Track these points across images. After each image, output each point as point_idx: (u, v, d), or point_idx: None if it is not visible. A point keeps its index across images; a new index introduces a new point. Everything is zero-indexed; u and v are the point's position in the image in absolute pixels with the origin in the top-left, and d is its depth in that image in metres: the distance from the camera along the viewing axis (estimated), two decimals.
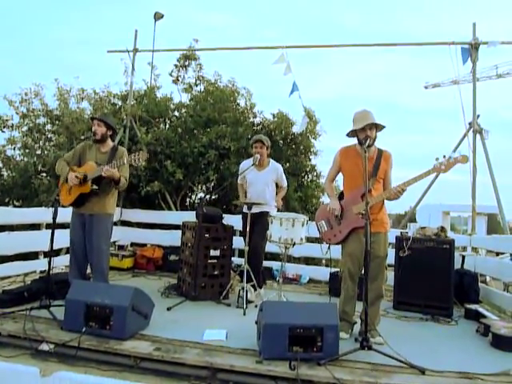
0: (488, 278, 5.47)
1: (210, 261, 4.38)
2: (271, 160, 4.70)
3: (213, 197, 7.70)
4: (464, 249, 5.63)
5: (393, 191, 3.12)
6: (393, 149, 3.40)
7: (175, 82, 7.45)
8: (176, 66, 7.33)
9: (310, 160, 7.15)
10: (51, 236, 3.34)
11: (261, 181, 4.56)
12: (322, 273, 5.82)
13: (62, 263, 5.06)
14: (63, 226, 5.30)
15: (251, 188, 4.61)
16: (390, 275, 4.41)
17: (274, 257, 6.05)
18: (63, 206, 3.75)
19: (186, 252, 4.56)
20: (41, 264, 4.85)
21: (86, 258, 3.85)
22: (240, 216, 4.84)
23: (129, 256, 5.74)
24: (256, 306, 4.08)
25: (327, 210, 3.40)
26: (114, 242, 5.87)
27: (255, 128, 7.11)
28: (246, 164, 4.67)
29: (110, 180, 3.70)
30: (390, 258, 3.68)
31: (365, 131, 3.19)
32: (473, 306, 4.24)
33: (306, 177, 7.23)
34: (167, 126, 7.40)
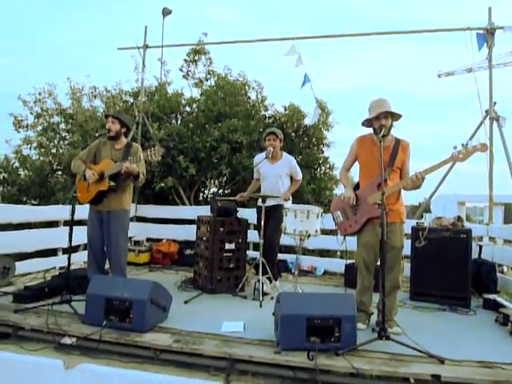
0: (505, 268, 5.38)
1: (225, 254, 4.41)
2: (284, 153, 4.69)
3: (226, 191, 7.74)
4: (481, 239, 5.56)
5: (409, 180, 3.09)
6: (406, 138, 3.36)
7: (185, 77, 7.48)
8: (186, 60, 7.34)
9: (322, 152, 7.12)
10: (69, 233, 3.41)
11: (274, 174, 4.56)
12: (337, 264, 5.82)
13: (80, 259, 5.17)
14: (80, 222, 5.40)
15: (265, 181, 4.62)
16: (407, 266, 4.39)
17: (289, 249, 6.06)
18: (80, 204, 3.82)
19: (202, 246, 4.60)
20: (60, 260, 4.96)
21: (104, 254, 3.92)
22: (254, 209, 4.86)
23: (145, 251, 5.82)
24: (272, 298, 4.11)
25: (342, 200, 3.38)
26: (130, 238, 5.96)
27: (267, 121, 7.10)
28: (259, 157, 4.67)
29: (129, 176, 3.75)
30: (406, 249, 3.66)
31: (379, 120, 3.16)
32: (491, 296, 4.19)
33: (318, 169, 7.21)
34: (179, 122, 7.45)
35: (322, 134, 7.00)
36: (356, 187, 3.47)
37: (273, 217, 4.41)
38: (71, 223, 3.40)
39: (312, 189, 6.67)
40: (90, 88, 7.64)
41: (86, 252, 5.26)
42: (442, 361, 2.58)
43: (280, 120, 6.99)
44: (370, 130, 3.33)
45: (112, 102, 7.38)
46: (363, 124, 3.36)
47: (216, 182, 7.63)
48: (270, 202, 4.37)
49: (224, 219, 4.45)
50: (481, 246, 5.00)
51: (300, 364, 2.52)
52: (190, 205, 6.84)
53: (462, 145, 2.99)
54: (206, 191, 7.84)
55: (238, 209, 4.66)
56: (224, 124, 6.58)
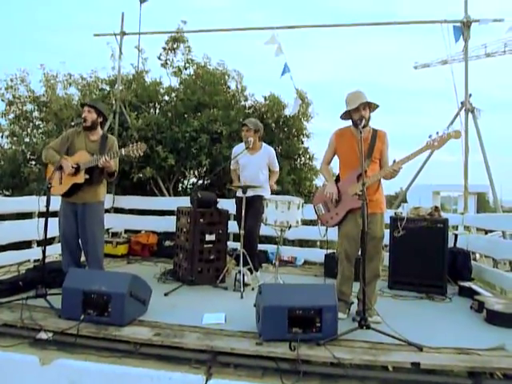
0: (478, 256, 5.56)
1: (205, 245, 4.37)
2: (263, 143, 4.66)
3: (205, 182, 7.66)
4: (456, 228, 5.71)
5: (388, 170, 3.12)
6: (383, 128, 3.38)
7: (164, 65, 7.29)
8: (164, 48, 7.15)
9: (302, 143, 7.12)
10: (45, 225, 3.28)
11: (254, 164, 4.53)
12: (317, 254, 5.86)
13: (55, 252, 5.02)
14: (55, 214, 5.26)
15: (244, 172, 4.58)
16: (385, 255, 4.48)
17: (269, 240, 6.07)
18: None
19: (182, 237, 4.54)
20: (34, 253, 4.81)
21: (79, 246, 3.82)
22: (233, 200, 4.83)
23: (123, 243, 5.71)
24: (253, 289, 4.12)
25: (324, 195, 3.39)
26: (108, 230, 5.83)
27: (247, 111, 7.03)
28: (238, 149, 4.62)
29: (103, 170, 3.64)
30: (385, 239, 3.71)
31: (359, 111, 3.17)
32: (466, 284, 4.32)
33: (298, 159, 7.21)
34: (157, 111, 7.29)
35: (302, 125, 6.99)
36: (336, 180, 3.48)
37: (253, 207, 4.39)
38: (46, 215, 3.28)
39: (292, 179, 6.68)
40: (65, 75, 7.36)
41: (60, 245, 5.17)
42: (420, 348, 2.64)
43: (260, 110, 6.93)
44: (349, 123, 3.33)
45: (88, 90, 7.14)
46: (341, 117, 3.36)
47: (196, 172, 7.52)
48: (249, 193, 4.34)
49: (204, 210, 4.39)
50: (456, 235, 5.14)
51: (282, 355, 2.52)
52: (169, 196, 6.74)
53: (437, 133, 3.04)
54: (186, 182, 7.74)
55: (218, 200, 4.61)
56: (203, 114, 6.48)
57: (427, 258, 4.32)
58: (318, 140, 7.21)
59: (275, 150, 4.79)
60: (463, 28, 5.61)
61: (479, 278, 4.91)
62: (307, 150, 7.14)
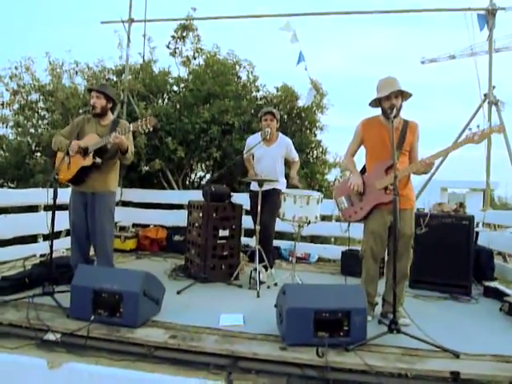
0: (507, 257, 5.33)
1: (218, 241, 4.18)
2: (280, 134, 4.45)
3: (214, 175, 7.46)
4: (476, 225, 5.48)
5: (421, 164, 2.90)
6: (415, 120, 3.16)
7: (173, 54, 7.04)
8: (173, 37, 6.90)
9: (315, 135, 6.88)
10: (52, 218, 3.10)
11: (269, 156, 4.32)
12: (331, 251, 5.68)
13: (62, 246, 4.86)
14: (62, 207, 5.08)
15: (259, 164, 4.38)
16: None
17: (281, 235, 5.87)
18: (60, 184, 3.50)
19: (194, 232, 4.35)
20: (40, 247, 4.64)
21: (89, 239, 3.64)
22: (245, 194, 4.64)
23: (131, 237, 5.54)
24: (268, 287, 3.94)
25: (348, 186, 3.18)
26: (116, 224, 5.65)
27: (258, 102, 6.80)
28: (253, 139, 4.41)
29: (116, 152, 3.44)
30: None
31: (390, 100, 2.95)
32: (491, 284, 4.11)
33: (311, 153, 6.98)
34: (165, 102, 7.07)
35: (315, 117, 6.75)
36: (362, 172, 3.27)
37: (269, 202, 4.20)
38: (53, 207, 3.09)
39: (305, 173, 6.46)
40: (71, 64, 7.12)
41: (68, 239, 4.96)
42: (457, 355, 2.45)
43: (272, 102, 6.70)
44: (375, 112, 3.11)
45: (94, 80, 6.91)
46: (370, 104, 3.14)
47: (203, 166, 7.30)
48: (265, 187, 4.13)
49: (217, 204, 4.20)
50: (477, 233, 4.91)
51: (309, 361, 2.34)
52: (179, 189, 6.54)
53: (478, 127, 2.82)
54: (193, 175, 7.53)
55: (231, 194, 4.41)
56: (214, 104, 6.26)
57: (451, 256, 4.11)
58: (330, 133, 7.00)
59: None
60: (488, 16, 5.34)
61: (502, 277, 4.70)
62: (320, 143, 6.91)
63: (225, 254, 4.22)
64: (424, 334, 2.61)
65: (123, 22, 6.23)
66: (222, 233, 4.20)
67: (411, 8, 5.90)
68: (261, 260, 4.06)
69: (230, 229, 4.24)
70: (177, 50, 6.97)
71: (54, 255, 4.56)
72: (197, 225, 4.30)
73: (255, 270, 3.96)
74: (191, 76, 7.11)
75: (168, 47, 7.01)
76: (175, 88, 7.06)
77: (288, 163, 4.55)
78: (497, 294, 3.88)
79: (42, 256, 4.52)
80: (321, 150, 6.91)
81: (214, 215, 4.15)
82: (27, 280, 3.42)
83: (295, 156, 4.47)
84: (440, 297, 3.96)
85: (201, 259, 4.07)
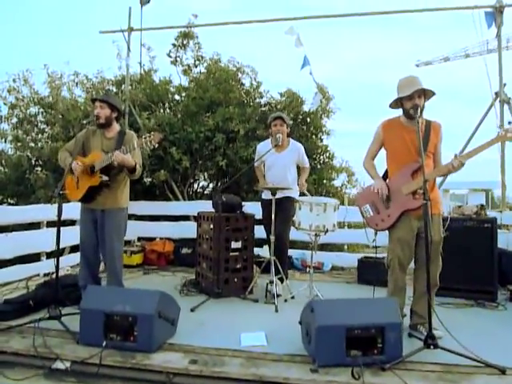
0: None
1: (231, 254, 3.98)
2: (291, 139, 4.28)
3: (223, 185, 7.30)
4: None
5: (450, 165, 2.73)
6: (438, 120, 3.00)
7: (174, 63, 6.92)
8: (174, 45, 6.78)
9: (321, 140, 6.73)
10: (57, 235, 2.90)
11: (281, 163, 4.15)
12: (344, 259, 5.50)
13: (67, 264, 4.68)
14: (65, 223, 4.89)
15: (270, 172, 4.20)
16: None
17: (292, 244, 5.67)
18: (68, 201, 3.33)
19: (204, 245, 4.16)
20: (44, 266, 4.43)
21: (98, 257, 3.47)
22: (254, 203, 4.46)
23: (138, 252, 5.33)
24: (286, 301, 3.75)
25: (372, 192, 3.00)
26: None
27: (262, 109, 6.65)
28: (263, 146, 4.24)
29: (122, 168, 3.28)
30: None
31: (413, 99, 2.79)
32: None
33: (318, 158, 6.82)
34: (167, 111, 6.92)
35: (321, 122, 6.60)
36: (384, 176, 3.10)
37: (282, 211, 4.01)
38: (58, 224, 2.90)
39: (313, 179, 6.29)
40: (71, 75, 6.98)
41: (72, 256, 4.79)
42: (503, 371, 2.25)
43: (276, 107, 6.55)
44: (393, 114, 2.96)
45: (94, 91, 6.77)
46: (391, 105, 2.98)
47: (208, 174, 7.12)
48: (278, 195, 3.95)
49: (229, 215, 4.01)
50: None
51: None
52: (184, 200, 6.35)
53: (509, 123, 2.66)
54: (195, 185, 7.35)
55: (242, 203, 4.23)
56: (218, 112, 6.11)
57: (474, 260, 3.92)
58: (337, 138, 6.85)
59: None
60: (496, 13, 5.22)
61: None
62: (327, 148, 6.75)
63: (238, 266, 4.02)
64: (463, 348, 2.42)
65: (122, 31, 6.09)
66: (235, 245, 4.00)
67: (414, 8, 5.79)
68: (276, 272, 3.89)
69: (242, 240, 4.05)
70: (178, 59, 6.83)
71: (59, 274, 4.42)
72: (207, 237, 4.11)
73: (271, 282, 3.78)
74: (192, 84, 6.98)
75: (169, 56, 6.88)
76: (177, 97, 6.91)
77: (298, 170, 4.38)
78: None
79: (45, 275, 4.32)
80: (328, 155, 6.75)
81: (227, 226, 3.96)
82: (32, 302, 3.21)
83: (306, 162, 4.31)
84: (466, 304, 3.76)
85: (213, 273, 3.88)
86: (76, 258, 3.79)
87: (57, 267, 2.95)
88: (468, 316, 3.46)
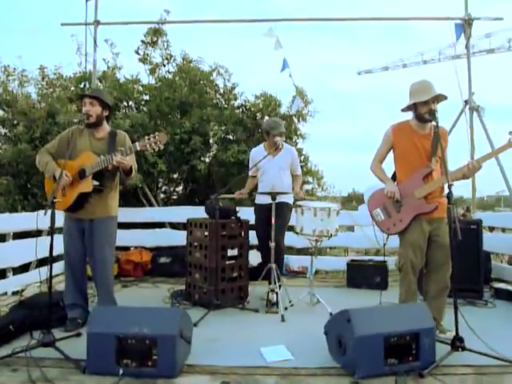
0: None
1: (227, 262, 3.79)
2: (284, 144, 4.18)
3: (187, 190, 7.01)
4: None
5: (468, 167, 2.78)
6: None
7: (142, 60, 6.53)
8: (143, 42, 6.40)
9: (296, 144, 6.71)
10: (50, 248, 2.52)
11: (276, 167, 4.04)
12: (328, 263, 5.50)
13: (32, 279, 4.16)
14: (30, 234, 4.39)
15: (265, 176, 4.08)
16: None
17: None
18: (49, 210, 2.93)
19: (197, 254, 3.90)
20: (11, 283, 3.91)
21: (85, 272, 3.13)
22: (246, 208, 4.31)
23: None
24: (286, 309, 3.62)
25: (383, 196, 2.98)
26: None
27: (236, 111, 6.49)
28: (257, 152, 4.11)
29: (115, 173, 2.99)
30: None
31: (428, 104, 2.82)
32: (501, 285, 4.15)
33: None
34: (134, 111, 6.50)
35: (295, 125, 6.58)
36: (391, 179, 3.10)
37: (278, 216, 3.88)
38: (51, 233, 2.52)
39: None
40: (20, 72, 6.29)
41: (39, 271, 4.28)
42: None
43: (251, 110, 6.41)
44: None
45: (51, 89, 6.19)
46: (403, 110, 3.00)
47: (183, 178, 6.78)
48: (270, 200, 3.83)
49: (224, 221, 3.81)
50: None
51: None
52: (158, 205, 6.00)
53: None
54: (168, 189, 7.00)
55: (237, 208, 4.05)
56: (194, 113, 5.85)
57: (462, 260, 4.07)
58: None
59: None
60: (465, 25, 5.53)
61: (497, 277, 4.80)
62: (301, 151, 6.74)
63: (234, 275, 3.83)
64: (489, 349, 2.46)
65: (87, 24, 5.63)
66: (231, 252, 3.81)
67: (391, 16, 6.00)
68: (266, 277, 3.77)
69: (238, 247, 3.87)
70: (147, 56, 6.45)
71: (25, 293, 3.93)
72: (200, 245, 3.87)
73: (272, 291, 3.65)
74: (160, 83, 6.63)
75: (137, 53, 6.48)
76: (146, 97, 6.52)
77: None
78: (509, 296, 3.92)
79: (14, 293, 3.81)
80: (302, 158, 6.74)
81: (224, 233, 3.76)
82: (12, 327, 2.79)
83: (298, 169, 4.25)
84: (458, 303, 3.89)
85: (210, 283, 3.65)
86: (44, 272, 3.33)
87: (49, 283, 2.58)
88: (465, 314, 3.55)
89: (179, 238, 5.28)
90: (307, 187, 7.45)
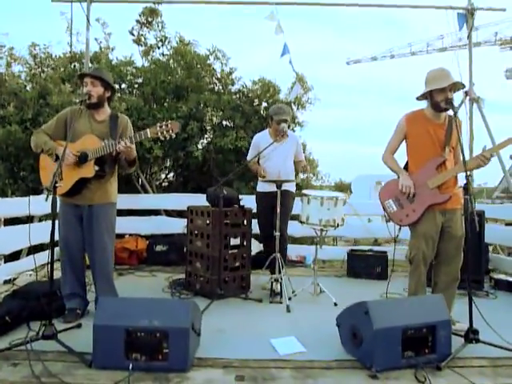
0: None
1: (230, 251, 3.69)
2: (289, 131, 4.07)
3: (178, 177, 6.85)
4: None
5: (484, 156, 2.72)
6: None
7: (137, 41, 6.28)
8: (138, 21, 6.15)
9: (294, 132, 6.60)
10: (51, 236, 2.37)
11: (280, 154, 3.93)
12: (326, 252, 5.45)
13: (25, 267, 4.02)
14: (21, 220, 4.23)
15: (269, 163, 3.96)
16: None
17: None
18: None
19: (198, 243, 3.79)
20: (2, 272, 3.73)
21: (83, 260, 3.00)
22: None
23: None
24: (290, 299, 3.55)
25: (395, 187, 2.91)
26: None
27: (233, 96, 6.33)
28: (262, 138, 3.99)
29: (116, 159, 2.85)
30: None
31: (445, 92, 2.74)
32: (501, 276, 4.19)
33: None
34: (128, 95, 6.27)
35: (293, 112, 6.45)
36: (404, 168, 3.03)
37: (281, 204, 3.80)
38: (53, 222, 2.37)
39: None
40: (8, 50, 5.99)
41: (30, 258, 4.12)
42: None
43: (248, 96, 6.26)
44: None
45: (40, 69, 5.91)
46: (418, 98, 2.92)
47: (178, 164, 6.62)
48: (272, 188, 3.74)
49: (228, 209, 3.70)
50: None
51: None
52: (153, 192, 5.84)
53: None
54: (162, 176, 6.83)
55: (240, 196, 3.94)
56: (191, 98, 5.67)
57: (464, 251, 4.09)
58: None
59: None
60: (467, 15, 5.47)
61: (494, 268, 4.84)
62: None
63: (237, 264, 3.74)
64: (504, 341, 2.44)
65: (80, 1, 5.35)
66: (234, 241, 3.72)
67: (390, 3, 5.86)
68: (269, 266, 3.72)
69: (241, 236, 3.77)
70: (141, 37, 6.21)
71: (17, 281, 3.77)
72: (202, 233, 3.75)
73: (276, 280, 3.58)
74: (154, 66, 6.40)
75: (131, 33, 6.23)
76: (140, 80, 6.29)
77: None
78: (509, 287, 3.95)
79: (6, 282, 3.64)
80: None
81: (227, 222, 3.66)
82: (8, 318, 2.64)
83: (302, 155, 4.16)
84: (460, 294, 3.89)
85: (212, 273, 3.56)
86: (37, 260, 3.14)
87: (51, 275, 2.44)
88: (466, 305, 3.57)
89: (176, 226, 5.17)
90: (302, 176, 7.39)
